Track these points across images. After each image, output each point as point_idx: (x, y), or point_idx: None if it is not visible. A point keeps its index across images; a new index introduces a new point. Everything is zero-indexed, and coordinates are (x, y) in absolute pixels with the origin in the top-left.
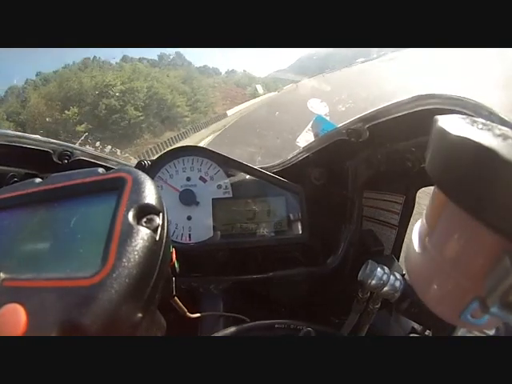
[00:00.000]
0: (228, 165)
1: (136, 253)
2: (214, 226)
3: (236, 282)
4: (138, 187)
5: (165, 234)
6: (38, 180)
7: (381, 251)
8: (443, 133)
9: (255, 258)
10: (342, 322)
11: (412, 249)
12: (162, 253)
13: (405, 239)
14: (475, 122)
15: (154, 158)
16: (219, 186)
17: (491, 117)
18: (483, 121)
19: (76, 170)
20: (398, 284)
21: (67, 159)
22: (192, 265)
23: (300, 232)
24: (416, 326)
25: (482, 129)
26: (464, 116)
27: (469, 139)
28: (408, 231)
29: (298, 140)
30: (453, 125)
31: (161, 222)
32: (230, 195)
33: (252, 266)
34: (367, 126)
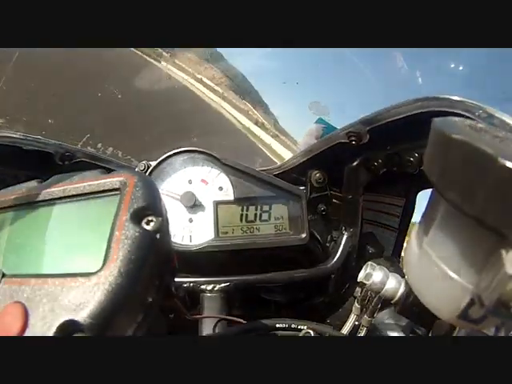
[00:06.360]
0: (229, 167)
1: (137, 254)
2: (215, 228)
3: (236, 283)
4: (139, 189)
5: (165, 235)
6: (39, 181)
7: (381, 254)
8: (441, 134)
9: (256, 260)
10: (342, 323)
11: (410, 249)
12: (162, 254)
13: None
14: (473, 123)
15: (156, 161)
16: (220, 189)
17: (493, 119)
18: (481, 123)
19: (77, 172)
20: (397, 285)
21: (69, 161)
22: (193, 266)
23: (301, 234)
24: (416, 326)
25: (479, 131)
26: (461, 118)
27: (466, 141)
28: (408, 234)
29: (299, 142)
30: (450, 126)
31: (161, 223)
32: (232, 197)
33: (252, 268)
34: (368, 128)
